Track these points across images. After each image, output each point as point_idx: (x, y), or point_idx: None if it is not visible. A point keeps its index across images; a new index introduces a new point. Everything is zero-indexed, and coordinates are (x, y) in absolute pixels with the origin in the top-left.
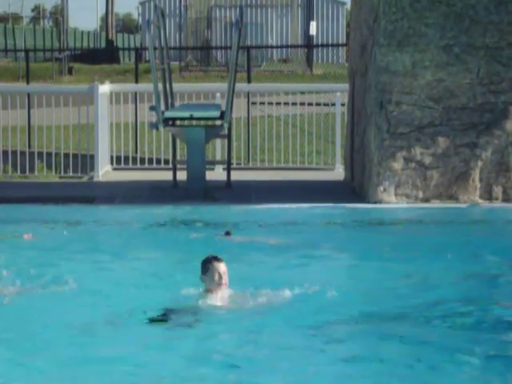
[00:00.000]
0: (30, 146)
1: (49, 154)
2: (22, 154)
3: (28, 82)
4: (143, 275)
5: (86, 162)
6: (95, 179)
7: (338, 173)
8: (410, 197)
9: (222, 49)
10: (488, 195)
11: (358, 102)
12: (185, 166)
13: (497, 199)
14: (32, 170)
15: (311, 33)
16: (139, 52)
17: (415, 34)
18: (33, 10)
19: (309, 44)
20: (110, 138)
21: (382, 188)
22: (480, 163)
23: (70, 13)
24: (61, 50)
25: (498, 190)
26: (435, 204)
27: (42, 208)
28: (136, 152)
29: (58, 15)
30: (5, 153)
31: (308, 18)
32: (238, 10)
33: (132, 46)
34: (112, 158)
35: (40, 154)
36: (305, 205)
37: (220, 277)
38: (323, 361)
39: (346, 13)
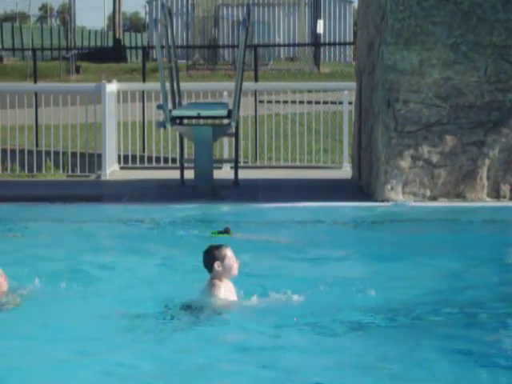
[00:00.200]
0: (37, 145)
1: (56, 153)
2: (30, 152)
3: (35, 81)
4: (152, 273)
5: (94, 160)
6: (103, 178)
7: (346, 171)
8: (417, 195)
9: (229, 47)
10: (496, 193)
11: (366, 101)
12: (192, 165)
13: (504, 197)
14: (40, 168)
15: (318, 31)
16: (146, 51)
17: (422, 33)
18: (40, 9)
19: (316, 42)
20: (117, 136)
21: (389, 186)
22: (487, 161)
23: (78, 12)
24: (68, 48)
25: (505, 189)
26: (443, 202)
27: (50, 207)
28: (143, 151)
29: (66, 14)
30: (12, 152)
31: (315, 16)
32: (245, 8)
33: (139, 44)
34: (119, 156)
35: (48, 153)
36: (312, 203)
37: (234, 261)
38: (334, 362)
39: (354, 11)
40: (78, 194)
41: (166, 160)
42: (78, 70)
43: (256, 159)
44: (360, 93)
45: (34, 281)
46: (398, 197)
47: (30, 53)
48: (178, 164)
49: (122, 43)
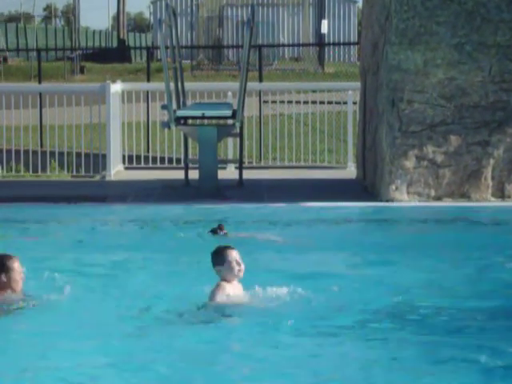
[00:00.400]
0: (42, 146)
1: (61, 154)
2: (35, 153)
3: (40, 82)
4: (157, 273)
5: (98, 161)
6: (107, 178)
7: (350, 171)
8: (422, 195)
9: (233, 47)
10: (500, 193)
11: (370, 101)
12: (197, 165)
13: (509, 197)
14: (44, 169)
15: (323, 31)
16: (151, 51)
17: (427, 33)
18: (44, 10)
19: (320, 42)
20: (121, 137)
21: (394, 186)
22: (492, 161)
23: (82, 12)
24: (72, 49)
25: (510, 188)
26: (447, 202)
27: (54, 207)
28: (148, 151)
29: (70, 14)
30: (17, 152)
31: (319, 16)
32: (249, 8)
33: (143, 45)
34: (124, 157)
35: (52, 154)
36: (317, 203)
37: (238, 264)
38: (335, 362)
39: (358, 11)
40: (83, 194)
41: (170, 160)
42: (82, 71)
43: (260, 159)
44: (364, 93)
45: (37, 281)
46: (403, 197)
47: (35, 53)
48: (182, 164)
49: (126, 43)
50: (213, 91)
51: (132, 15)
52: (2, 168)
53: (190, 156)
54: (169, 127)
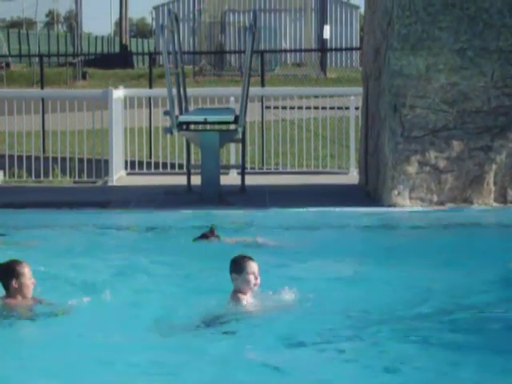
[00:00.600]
0: (44, 151)
1: (63, 159)
2: (37, 158)
3: (42, 87)
4: (159, 280)
5: (101, 166)
6: (109, 184)
7: (353, 177)
8: (424, 200)
9: (235, 53)
10: (503, 198)
11: (372, 106)
12: (199, 171)
13: (511, 202)
14: (46, 174)
15: (325, 37)
16: (153, 56)
17: (429, 38)
18: (47, 16)
19: (322, 48)
20: (124, 142)
21: (396, 192)
22: (494, 166)
23: (84, 18)
24: (75, 55)
25: None
26: (450, 208)
27: (57, 212)
28: (150, 157)
29: (72, 20)
30: (19, 158)
31: (321, 21)
32: (251, 14)
33: (146, 50)
34: (126, 162)
35: (54, 159)
36: (319, 208)
37: (255, 277)
38: (336, 363)
39: (360, 17)
40: (85, 199)
41: (172, 166)
42: (84, 76)
43: (263, 165)
44: (366, 98)
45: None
46: (405, 202)
47: (37, 59)
48: (184, 170)
49: (128, 49)
50: (215, 96)
51: (134, 21)
52: (5, 174)
53: (193, 161)
54: (171, 133)
